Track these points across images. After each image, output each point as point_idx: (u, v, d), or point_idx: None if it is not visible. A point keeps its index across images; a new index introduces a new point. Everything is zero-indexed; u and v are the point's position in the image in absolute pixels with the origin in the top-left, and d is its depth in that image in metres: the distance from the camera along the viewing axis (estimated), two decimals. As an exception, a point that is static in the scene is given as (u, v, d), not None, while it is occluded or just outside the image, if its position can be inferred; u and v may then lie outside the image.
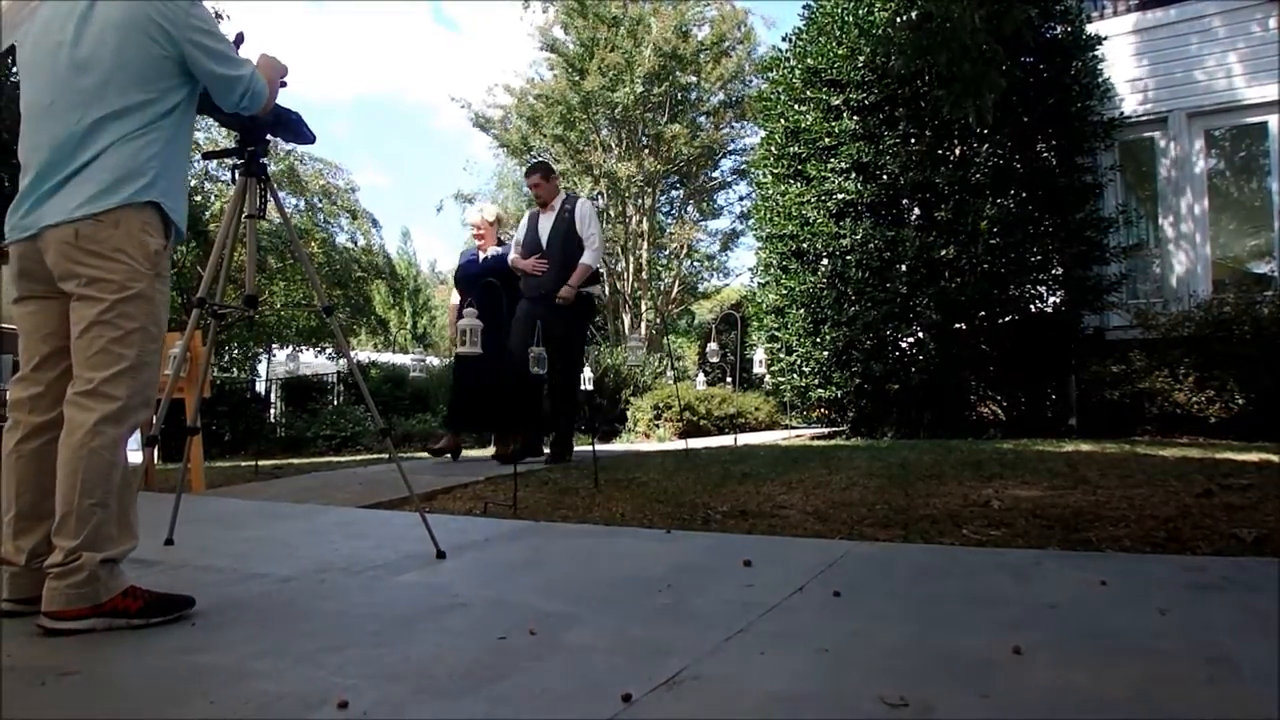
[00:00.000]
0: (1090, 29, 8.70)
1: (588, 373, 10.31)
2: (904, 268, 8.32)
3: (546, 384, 5.99)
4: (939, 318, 8.11)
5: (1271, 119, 8.81)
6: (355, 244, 20.09)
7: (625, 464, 5.68)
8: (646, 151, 20.85)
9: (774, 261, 9.36)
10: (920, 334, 8.45)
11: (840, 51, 8.75)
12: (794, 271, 9.01)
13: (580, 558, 3.09)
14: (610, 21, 20.13)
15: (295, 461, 8.92)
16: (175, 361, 3.44)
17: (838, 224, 8.56)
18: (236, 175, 3.05)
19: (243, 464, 8.14)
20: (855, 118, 8.63)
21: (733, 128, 22.05)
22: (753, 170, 12.25)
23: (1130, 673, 1.71)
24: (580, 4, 20.35)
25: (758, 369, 9.26)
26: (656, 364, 14.72)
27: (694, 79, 21.14)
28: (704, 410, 11.47)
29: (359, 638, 2.10)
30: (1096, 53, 8.59)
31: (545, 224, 6.18)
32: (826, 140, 8.78)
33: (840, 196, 8.54)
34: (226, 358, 16.72)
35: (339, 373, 17.25)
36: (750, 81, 20.78)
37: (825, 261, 8.78)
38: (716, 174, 23.00)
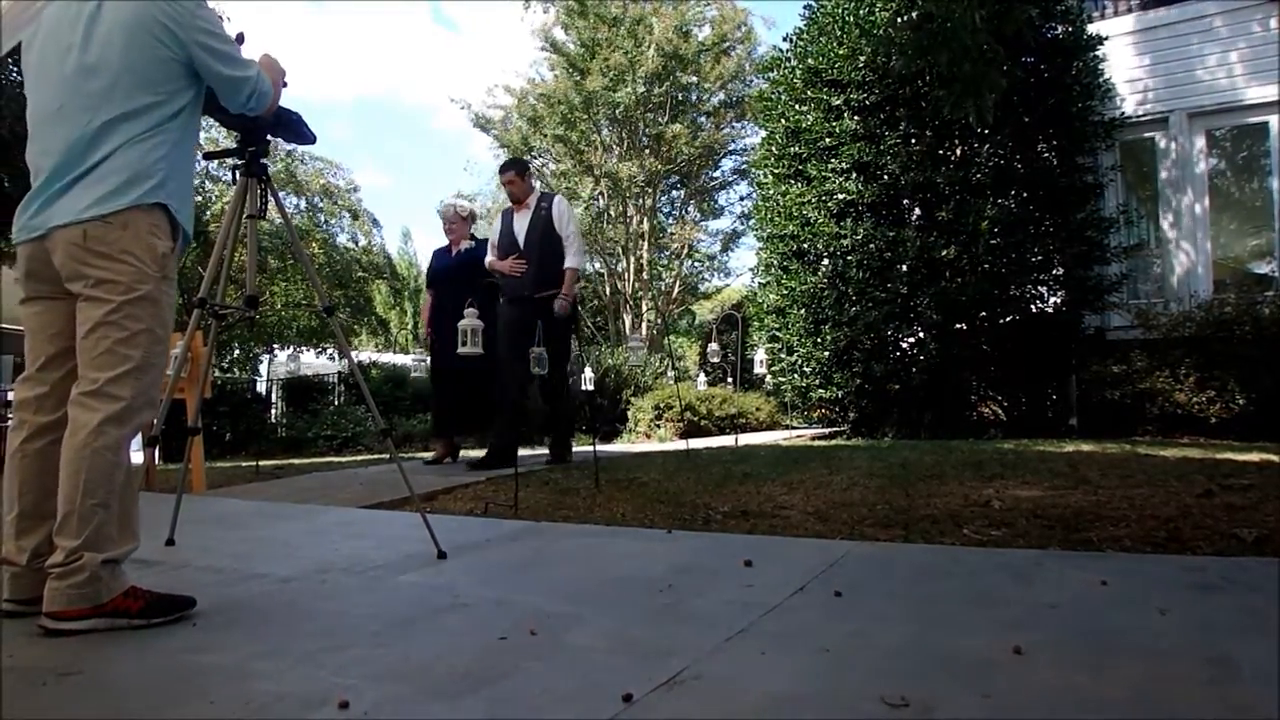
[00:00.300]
0: (1091, 29, 8.70)
1: (588, 373, 10.32)
2: (905, 268, 8.32)
3: (540, 387, 5.94)
4: (940, 318, 8.11)
5: (1272, 119, 8.81)
6: (356, 244, 20.12)
7: (626, 464, 5.68)
8: (647, 152, 20.84)
9: (775, 262, 9.36)
10: (921, 334, 8.45)
11: (841, 52, 8.75)
12: (795, 272, 9.01)
13: (581, 558, 3.09)
14: (611, 22, 20.13)
15: (296, 462, 8.92)
16: (176, 362, 3.44)
17: (838, 224, 8.56)
18: (237, 176, 3.05)
19: (244, 464, 8.15)
20: (856, 118, 8.63)
21: (733, 128, 22.04)
22: (753, 170, 12.25)
23: (1131, 673, 1.71)
24: (581, 4, 20.35)
25: (758, 369, 9.26)
26: (657, 364, 14.72)
27: (694, 79, 21.13)
28: (705, 410, 11.47)
29: (360, 638, 2.10)
30: (1097, 53, 8.60)
31: (521, 223, 6.00)
32: (827, 140, 8.78)
33: (841, 197, 8.54)
34: (227, 358, 16.75)
35: (340, 373, 17.26)
36: (751, 81, 20.77)
37: (826, 262, 8.78)
38: (717, 174, 22.99)
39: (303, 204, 18.84)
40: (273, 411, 16.56)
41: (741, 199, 22.65)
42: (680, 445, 7.36)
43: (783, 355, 9.28)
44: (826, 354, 8.67)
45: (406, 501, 4.19)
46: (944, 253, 8.03)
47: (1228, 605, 2.18)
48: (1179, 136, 9.13)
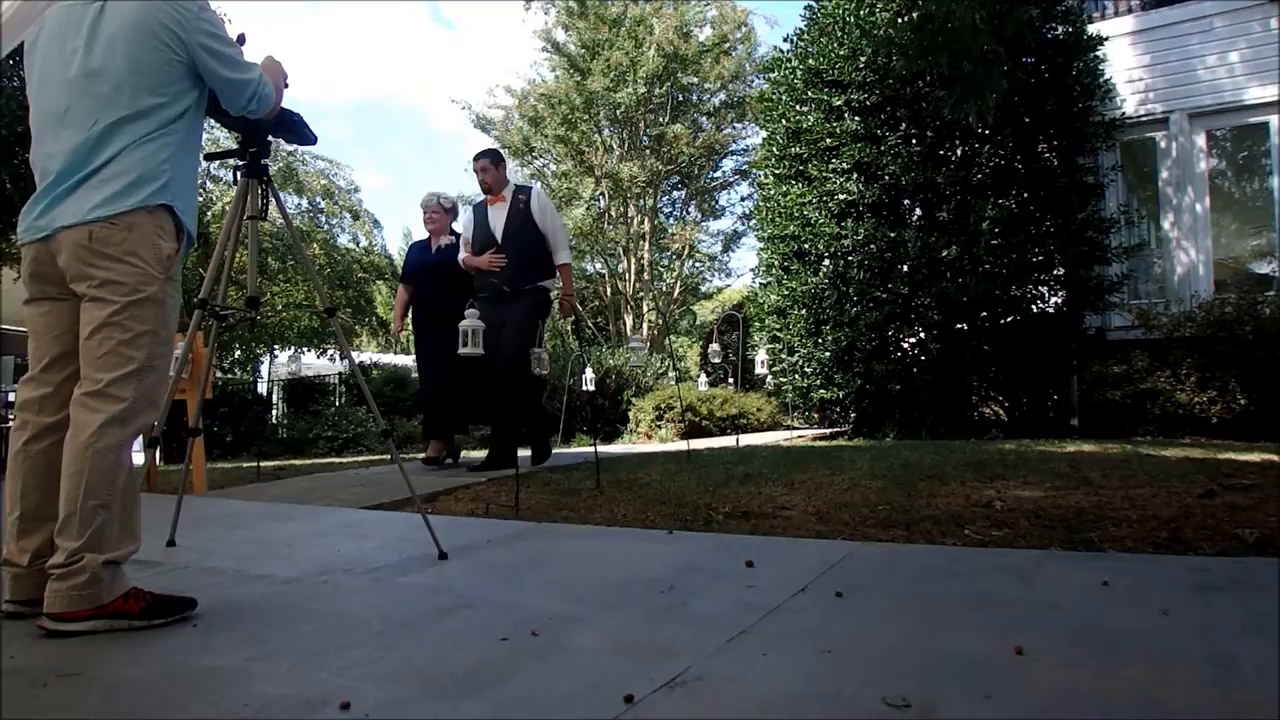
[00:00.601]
0: (1091, 29, 8.69)
1: (589, 374, 10.32)
2: (905, 268, 8.31)
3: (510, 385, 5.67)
4: (940, 318, 8.11)
5: (1272, 119, 8.80)
6: (357, 245, 20.11)
7: (627, 465, 5.68)
8: (648, 152, 20.84)
9: (776, 262, 9.36)
10: (922, 334, 8.44)
11: (841, 52, 8.75)
12: (796, 272, 9.00)
13: (582, 559, 3.09)
14: (611, 23, 20.15)
15: (297, 463, 8.93)
16: (177, 363, 3.45)
17: (839, 224, 8.56)
18: (238, 176, 3.06)
19: (245, 465, 8.15)
20: (857, 118, 8.63)
21: (734, 128, 22.04)
22: (754, 171, 12.27)
23: (1132, 673, 1.71)
24: (581, 5, 20.36)
25: (759, 370, 9.23)
26: (658, 365, 14.72)
27: (695, 79, 21.15)
28: (706, 411, 11.46)
29: (361, 639, 2.10)
30: (1098, 53, 8.59)
31: (497, 216, 5.74)
32: (828, 141, 8.78)
33: (842, 197, 8.53)
34: (228, 359, 16.75)
35: (341, 374, 17.26)
36: (752, 82, 20.78)
37: (827, 262, 8.78)
38: (718, 174, 22.98)
39: (304, 204, 18.85)
40: (274, 412, 16.57)
41: (742, 199, 22.69)
42: (681, 446, 7.35)
43: (784, 356, 9.27)
44: (827, 354, 8.66)
45: (408, 502, 4.19)
46: (945, 253, 8.02)
47: (1229, 606, 2.18)
48: (1179, 136, 9.13)
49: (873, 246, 8.30)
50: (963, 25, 4.99)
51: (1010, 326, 8.19)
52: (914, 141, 8.45)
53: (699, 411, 11.32)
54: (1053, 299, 8.39)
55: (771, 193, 9.48)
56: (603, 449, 7.02)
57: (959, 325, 8.25)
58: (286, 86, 2.81)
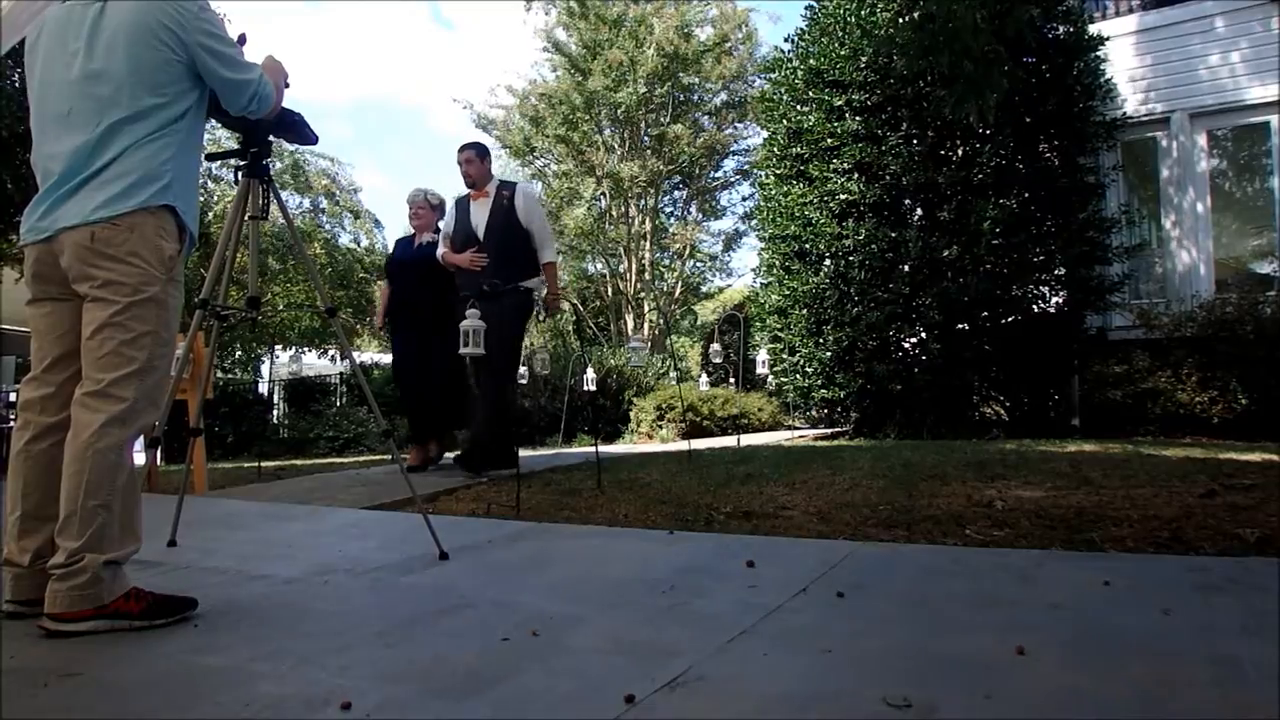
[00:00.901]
0: (1092, 29, 8.69)
1: (590, 374, 10.32)
2: (906, 268, 8.31)
3: (478, 384, 5.53)
4: (941, 318, 8.10)
5: (1273, 119, 8.80)
6: (358, 245, 20.14)
7: (628, 465, 5.68)
8: (649, 152, 20.85)
9: (777, 262, 9.36)
10: (923, 334, 8.44)
11: (842, 52, 8.75)
12: (797, 272, 9.00)
13: (583, 559, 3.09)
14: (612, 23, 20.15)
15: (298, 463, 8.93)
16: (178, 363, 3.45)
17: (840, 224, 8.56)
18: (239, 177, 3.06)
19: (245, 465, 8.15)
20: (858, 118, 8.63)
21: (735, 128, 22.04)
22: (755, 171, 12.26)
23: (1133, 673, 1.71)
24: (582, 5, 20.36)
25: (760, 369, 9.24)
26: (659, 365, 14.73)
27: (696, 79, 21.15)
28: (707, 411, 11.47)
29: (362, 639, 2.10)
30: (1099, 53, 8.59)
31: (479, 212, 5.50)
32: (829, 141, 8.78)
33: (843, 197, 8.53)
34: (229, 359, 16.77)
35: (342, 374, 17.27)
36: (753, 81, 20.78)
37: (828, 262, 8.78)
38: (719, 174, 22.98)
39: (306, 204, 18.88)
40: (274, 413, 16.58)
41: (744, 199, 22.70)
42: (682, 446, 7.35)
43: (785, 356, 9.28)
44: (828, 354, 8.66)
45: (409, 502, 4.19)
46: (946, 253, 8.02)
47: (1231, 606, 2.18)
48: (1180, 136, 9.13)
49: (874, 246, 8.30)
50: (963, 25, 4.98)
51: (1011, 326, 8.19)
52: (915, 141, 8.45)
53: (700, 411, 11.33)
54: (1054, 299, 8.39)
55: (772, 193, 9.49)
56: (604, 449, 7.02)
57: (960, 325, 8.25)
58: (287, 86, 2.81)
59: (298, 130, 3.06)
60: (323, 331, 18.12)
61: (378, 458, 9.12)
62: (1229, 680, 1.67)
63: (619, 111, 20.08)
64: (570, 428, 11.64)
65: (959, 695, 1.62)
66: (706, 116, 21.90)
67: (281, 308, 17.60)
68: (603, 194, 21.02)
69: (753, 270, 14.87)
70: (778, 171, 9.46)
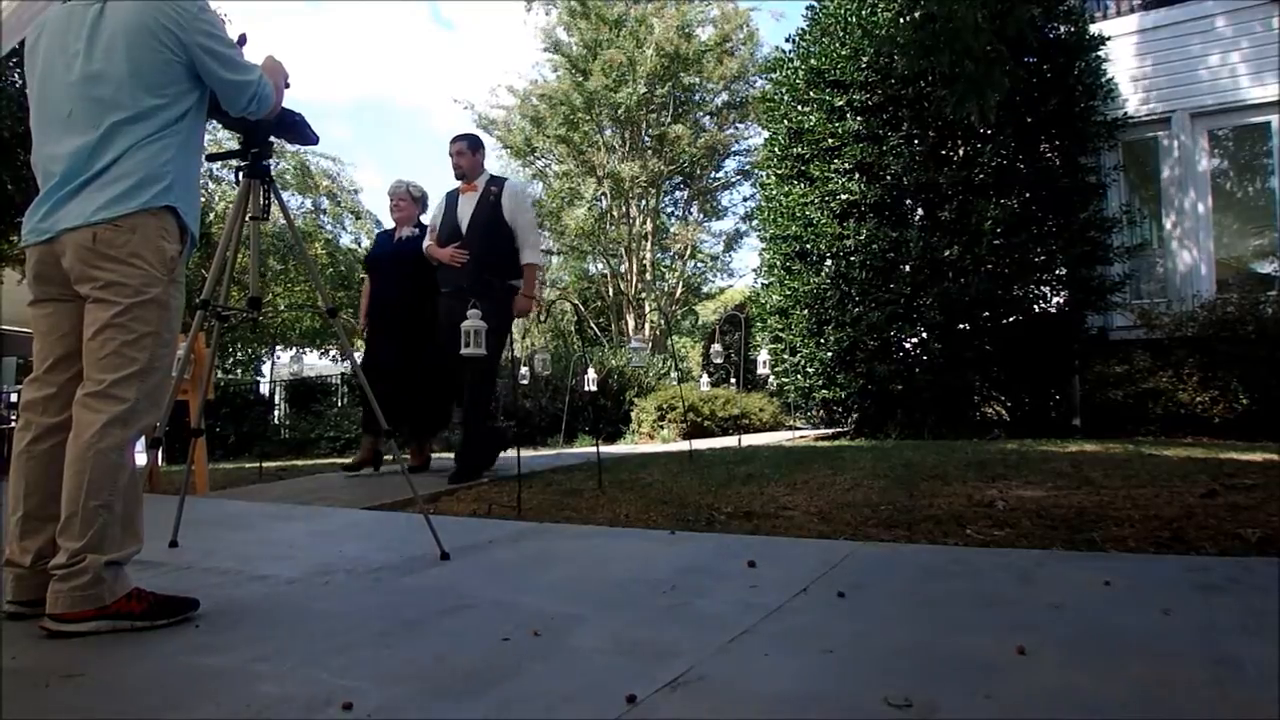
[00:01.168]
0: (1093, 29, 8.69)
1: (591, 374, 10.32)
2: (907, 268, 8.31)
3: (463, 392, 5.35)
4: (943, 318, 8.10)
5: (1274, 119, 8.80)
6: (359, 245, 20.15)
7: (629, 465, 5.68)
8: (650, 152, 20.86)
9: (778, 262, 9.36)
10: (924, 334, 8.44)
11: (843, 52, 8.75)
12: (798, 272, 9.00)
13: (584, 559, 3.09)
14: (613, 23, 20.16)
15: (299, 463, 8.94)
16: (179, 364, 3.45)
17: (841, 225, 8.55)
18: (240, 177, 3.06)
19: (247, 466, 8.16)
20: (859, 118, 8.63)
21: (736, 128, 22.07)
22: (756, 171, 12.25)
23: (1134, 673, 1.71)
24: (583, 5, 20.37)
25: (761, 370, 9.23)
26: (660, 365, 14.73)
27: (697, 79, 21.15)
28: (708, 411, 11.47)
29: (364, 639, 2.10)
30: (1100, 53, 8.59)
31: (466, 206, 5.34)
32: (830, 141, 8.78)
33: (844, 197, 8.53)
34: (230, 360, 16.78)
35: (343, 374, 17.28)
36: (754, 82, 20.79)
37: (829, 262, 8.77)
38: (720, 174, 23.02)
39: (307, 204, 18.91)
40: (275, 413, 16.59)
41: (745, 199, 22.72)
42: (683, 446, 7.35)
43: (786, 356, 9.27)
44: (829, 354, 8.66)
45: (410, 503, 4.19)
46: (947, 253, 8.02)
47: (1231, 606, 2.18)
48: (1181, 136, 9.12)
49: (875, 246, 8.30)
50: (964, 25, 4.98)
51: (1012, 326, 8.19)
52: (916, 141, 8.45)
53: (701, 412, 11.33)
54: (1055, 299, 8.39)
55: (773, 193, 9.48)
56: (605, 449, 7.02)
57: (961, 325, 8.25)
58: (287, 87, 2.81)
59: (298, 130, 3.06)
60: (324, 332, 18.14)
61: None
62: (1229, 680, 1.67)
63: (619, 112, 20.09)
64: (571, 428, 11.64)
65: (960, 695, 1.62)
66: (708, 116, 21.92)
67: (282, 308, 17.60)
68: (603, 194, 21.03)
69: (754, 270, 14.89)
70: (779, 171, 9.46)
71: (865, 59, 8.60)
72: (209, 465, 6.00)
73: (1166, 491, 3.77)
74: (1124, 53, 9.23)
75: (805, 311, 8.92)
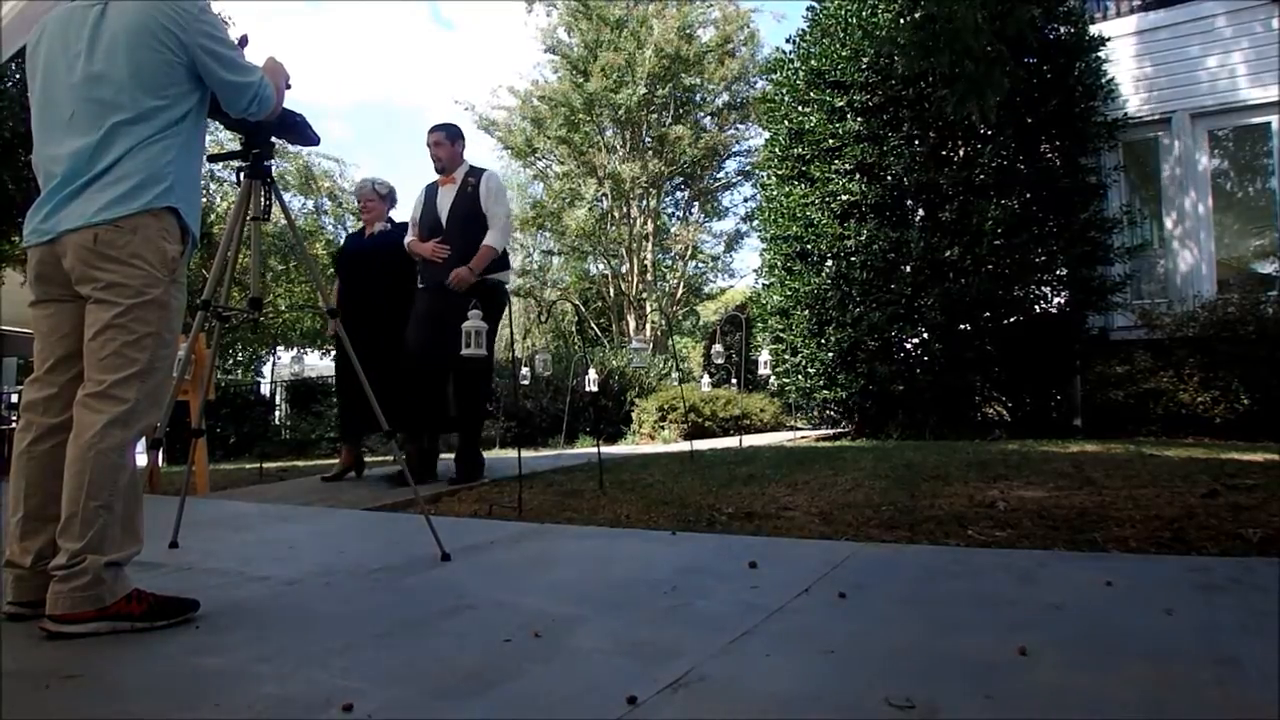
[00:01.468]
0: (1093, 30, 8.69)
1: (592, 374, 10.31)
2: (908, 269, 8.31)
3: (454, 390, 5.19)
4: (943, 319, 8.10)
5: (1274, 119, 8.79)
6: (359, 246, 20.13)
7: (630, 466, 5.68)
8: (650, 153, 20.86)
9: (779, 263, 9.36)
10: (925, 335, 8.43)
11: (844, 53, 8.75)
12: (799, 273, 9.00)
13: (585, 560, 3.09)
14: (613, 24, 20.16)
15: (300, 464, 8.93)
16: (179, 364, 3.45)
17: (842, 225, 8.55)
18: (241, 178, 3.06)
19: (247, 466, 8.15)
20: (859, 119, 8.63)
21: (737, 129, 22.07)
22: (757, 171, 12.24)
23: (1135, 674, 1.71)
24: (584, 6, 20.38)
25: (762, 370, 9.23)
26: (661, 366, 14.73)
27: (698, 80, 21.16)
28: (709, 412, 11.46)
29: (364, 640, 2.10)
30: (1100, 53, 8.59)
31: (445, 199, 5.22)
32: (831, 141, 8.78)
33: (844, 198, 8.53)
34: (231, 360, 16.78)
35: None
36: (755, 82, 20.79)
37: (830, 263, 8.77)
38: (721, 175, 23.01)
39: (309, 204, 18.92)
40: (276, 413, 16.59)
41: (745, 200, 22.72)
42: (684, 447, 7.35)
43: (787, 356, 9.27)
44: (830, 355, 8.65)
45: (410, 503, 4.20)
46: (948, 253, 8.02)
47: (1233, 606, 2.18)
48: (1181, 136, 9.12)
49: (875, 247, 8.30)
50: (964, 25, 4.97)
51: (1013, 327, 8.18)
52: (916, 142, 8.45)
53: (702, 412, 11.32)
54: (1055, 299, 8.38)
55: (774, 193, 9.48)
56: (606, 450, 7.02)
57: (962, 325, 8.25)
58: (289, 87, 2.81)
59: (299, 131, 3.06)
60: (324, 332, 18.12)
61: (379, 459, 9.13)
62: (1230, 680, 1.67)
63: (620, 113, 20.09)
64: (572, 429, 11.64)
65: (961, 695, 1.62)
66: (708, 117, 21.92)
67: (283, 308, 17.61)
68: (604, 195, 21.03)
69: (754, 271, 14.87)
70: (779, 172, 9.46)
71: (865, 60, 8.60)
72: (209, 466, 6.00)
73: (1168, 492, 3.76)
74: (1124, 53, 9.23)
75: (806, 312, 8.91)
